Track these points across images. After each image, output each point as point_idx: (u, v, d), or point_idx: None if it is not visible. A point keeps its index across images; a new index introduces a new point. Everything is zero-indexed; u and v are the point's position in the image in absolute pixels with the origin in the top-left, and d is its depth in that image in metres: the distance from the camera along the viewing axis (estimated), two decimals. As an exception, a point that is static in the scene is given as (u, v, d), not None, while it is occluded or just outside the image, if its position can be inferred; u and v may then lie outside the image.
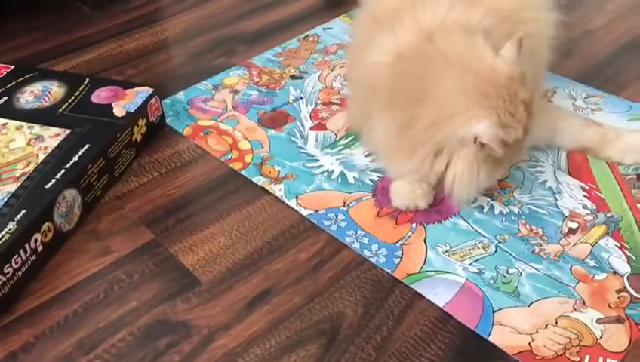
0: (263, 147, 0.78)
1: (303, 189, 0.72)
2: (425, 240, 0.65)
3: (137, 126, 0.76)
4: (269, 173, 0.74)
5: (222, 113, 0.84)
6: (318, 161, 0.76)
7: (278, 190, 0.72)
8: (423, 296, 0.59)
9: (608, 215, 0.67)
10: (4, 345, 0.56)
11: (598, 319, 0.57)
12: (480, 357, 0.54)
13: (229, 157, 0.77)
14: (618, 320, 0.57)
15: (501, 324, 0.57)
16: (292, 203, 0.70)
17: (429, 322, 0.57)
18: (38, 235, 0.61)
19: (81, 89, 0.79)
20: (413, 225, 0.67)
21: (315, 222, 0.67)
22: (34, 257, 0.61)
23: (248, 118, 0.83)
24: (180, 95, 0.88)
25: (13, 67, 0.84)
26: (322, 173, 0.74)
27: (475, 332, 0.56)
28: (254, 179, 0.73)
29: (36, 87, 0.80)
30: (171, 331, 0.57)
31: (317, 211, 0.69)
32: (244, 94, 0.87)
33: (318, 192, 0.71)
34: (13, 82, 0.81)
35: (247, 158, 0.76)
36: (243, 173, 0.74)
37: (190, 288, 0.61)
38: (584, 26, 1.00)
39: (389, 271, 0.62)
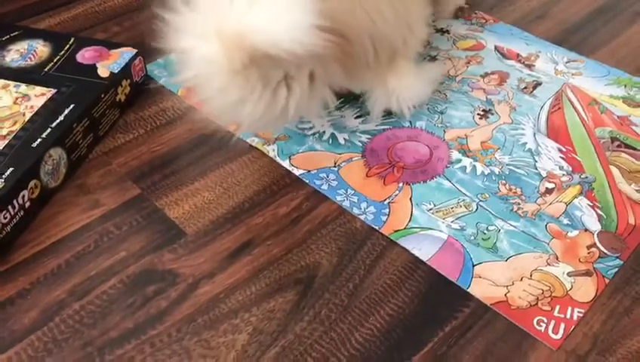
0: None
1: (296, 150, 0.75)
2: (411, 199, 0.69)
3: (121, 86, 0.78)
4: (263, 133, 0.77)
5: None
6: (309, 122, 0.78)
7: (271, 150, 0.75)
8: (392, 248, 0.64)
9: (583, 176, 0.71)
10: (1, 291, 0.60)
11: (569, 272, 0.62)
12: (443, 303, 0.59)
13: None
14: (587, 273, 0.62)
15: (480, 277, 0.61)
16: (285, 163, 0.73)
17: (398, 271, 0.62)
18: (25, 192, 0.64)
19: (66, 48, 0.81)
20: (400, 184, 0.71)
21: (307, 181, 0.71)
22: (22, 212, 0.64)
23: (242, 80, 0.85)
24: (174, 55, 0.89)
25: (-2, 24, 0.86)
26: (314, 134, 0.77)
27: (438, 281, 0.61)
28: (249, 140, 0.76)
29: (22, 46, 0.81)
30: (159, 279, 0.61)
31: (309, 171, 0.72)
32: None
33: (310, 153, 0.74)
34: (-1, 40, 0.82)
35: None
36: (238, 133, 0.76)
37: (176, 239, 0.65)
38: (558, -10, 1.03)
39: (377, 227, 0.66)
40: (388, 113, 0.78)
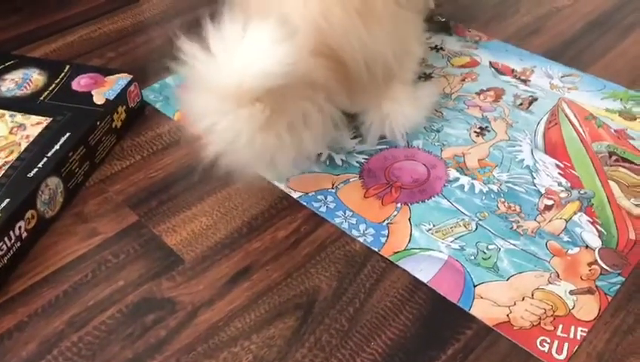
0: None
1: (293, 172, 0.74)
2: (409, 220, 0.68)
3: (117, 113, 0.78)
4: None
5: None
6: None
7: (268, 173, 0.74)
8: (392, 270, 0.63)
9: (582, 192, 0.71)
10: (-1, 325, 0.60)
11: (570, 290, 0.61)
12: (445, 325, 0.59)
13: None
14: (589, 291, 0.61)
15: (481, 298, 0.61)
16: (282, 186, 0.72)
17: (398, 294, 0.61)
18: (22, 223, 0.64)
19: (61, 76, 0.81)
20: (398, 205, 0.70)
21: (305, 203, 0.70)
22: (19, 243, 0.64)
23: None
24: (169, 79, 0.89)
25: (-7, 54, 0.86)
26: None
27: (439, 302, 0.61)
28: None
29: (17, 75, 0.81)
30: (157, 307, 0.61)
31: (307, 193, 0.72)
32: None
33: (307, 175, 0.74)
34: (-5, 69, 0.83)
35: None
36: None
37: (174, 267, 0.64)
38: (552, 4, 1.04)
39: (377, 249, 0.65)
40: (383, 136, 0.78)
